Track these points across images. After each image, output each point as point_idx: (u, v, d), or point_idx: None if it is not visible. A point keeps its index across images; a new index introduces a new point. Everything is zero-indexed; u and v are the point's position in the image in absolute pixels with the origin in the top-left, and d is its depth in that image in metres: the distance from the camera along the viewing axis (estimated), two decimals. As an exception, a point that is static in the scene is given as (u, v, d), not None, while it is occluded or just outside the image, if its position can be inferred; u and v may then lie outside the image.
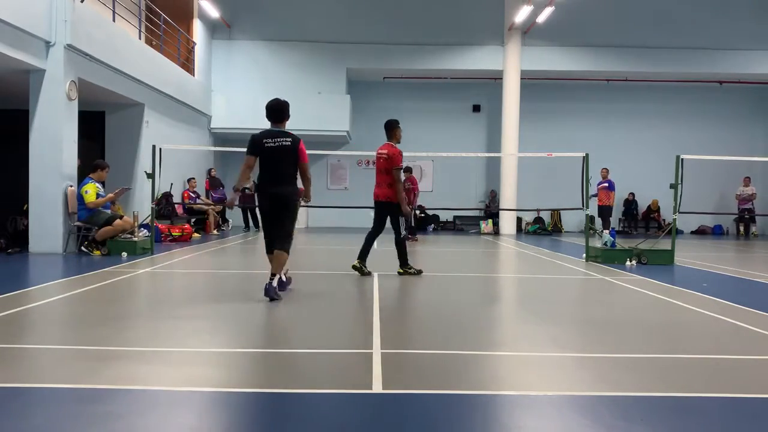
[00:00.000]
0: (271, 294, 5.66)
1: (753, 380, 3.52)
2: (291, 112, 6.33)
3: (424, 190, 19.74)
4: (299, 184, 6.12)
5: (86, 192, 9.71)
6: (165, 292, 6.60)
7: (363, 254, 7.56)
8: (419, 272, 7.66)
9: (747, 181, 18.57)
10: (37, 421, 2.70)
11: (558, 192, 17.63)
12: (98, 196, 9.83)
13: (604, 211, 16.75)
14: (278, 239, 5.93)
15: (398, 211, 7.55)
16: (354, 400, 3.04)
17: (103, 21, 10.98)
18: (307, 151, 6.17)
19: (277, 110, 6.13)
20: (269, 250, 6.00)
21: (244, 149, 6.13)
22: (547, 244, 13.94)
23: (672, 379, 3.48)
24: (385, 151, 7.57)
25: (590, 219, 10.90)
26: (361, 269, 7.46)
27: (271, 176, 5.96)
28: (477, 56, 18.47)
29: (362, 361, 3.71)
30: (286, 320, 5.03)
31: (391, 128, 7.76)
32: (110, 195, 10.12)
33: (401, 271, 7.62)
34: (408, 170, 14.85)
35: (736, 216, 18.58)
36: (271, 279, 5.73)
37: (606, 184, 16.69)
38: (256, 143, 6.02)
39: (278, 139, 5.96)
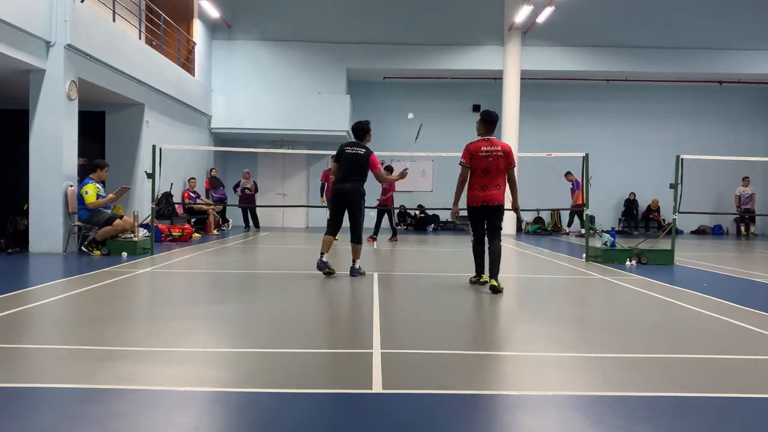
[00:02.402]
0: (353, 274, 7.45)
1: (753, 380, 3.52)
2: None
3: (424, 190, 19.80)
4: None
5: (86, 192, 9.71)
6: (165, 292, 6.60)
7: (489, 269, 6.69)
8: (502, 290, 6.55)
9: (746, 181, 18.56)
10: (37, 421, 2.70)
11: (558, 192, 17.69)
12: (98, 196, 9.83)
13: (571, 212, 17.36)
14: (352, 233, 7.45)
15: (503, 215, 6.84)
16: (354, 400, 3.04)
17: (103, 21, 10.98)
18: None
19: (359, 130, 7.64)
20: (329, 233, 7.53)
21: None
22: (547, 244, 13.94)
23: (672, 379, 3.48)
24: (499, 147, 6.61)
25: (590, 219, 10.90)
26: (495, 286, 6.39)
27: (343, 175, 7.40)
28: (477, 56, 18.48)
29: (362, 361, 3.71)
30: (287, 320, 5.03)
31: (497, 121, 6.81)
32: (111, 195, 10.12)
33: (496, 284, 6.37)
34: (388, 168, 14.79)
35: (737, 216, 18.58)
36: (353, 263, 7.52)
37: (570, 185, 17.27)
38: (340, 149, 7.55)
39: (355, 149, 7.49)
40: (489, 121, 6.70)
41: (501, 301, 6.23)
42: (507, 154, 6.61)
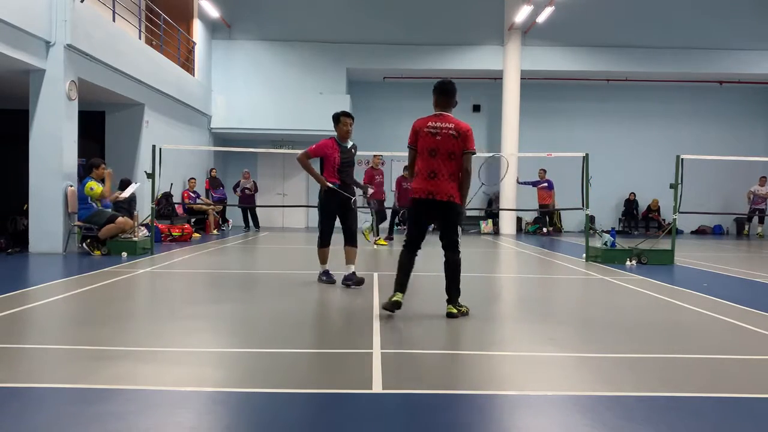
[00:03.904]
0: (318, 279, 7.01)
1: (753, 380, 3.52)
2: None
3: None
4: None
5: (91, 189, 9.69)
6: (165, 292, 6.60)
7: (446, 288, 5.24)
8: (467, 312, 5.19)
9: (763, 180, 18.32)
10: (37, 421, 2.70)
11: (558, 192, 17.67)
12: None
13: (545, 211, 17.56)
14: None
15: (459, 215, 5.22)
16: (354, 400, 3.04)
17: (103, 21, 10.98)
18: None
19: None
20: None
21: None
22: (547, 244, 13.94)
23: (672, 379, 3.48)
24: (452, 125, 5.03)
25: (590, 219, 10.88)
26: (399, 303, 5.05)
27: None
28: (477, 56, 18.47)
29: (362, 361, 3.71)
30: (286, 320, 5.03)
31: (454, 93, 5.16)
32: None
33: (454, 311, 5.07)
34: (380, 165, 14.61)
35: (746, 215, 18.35)
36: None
37: (545, 184, 17.48)
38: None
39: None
40: (443, 92, 5.12)
41: (501, 302, 6.23)
42: (462, 135, 5.00)
